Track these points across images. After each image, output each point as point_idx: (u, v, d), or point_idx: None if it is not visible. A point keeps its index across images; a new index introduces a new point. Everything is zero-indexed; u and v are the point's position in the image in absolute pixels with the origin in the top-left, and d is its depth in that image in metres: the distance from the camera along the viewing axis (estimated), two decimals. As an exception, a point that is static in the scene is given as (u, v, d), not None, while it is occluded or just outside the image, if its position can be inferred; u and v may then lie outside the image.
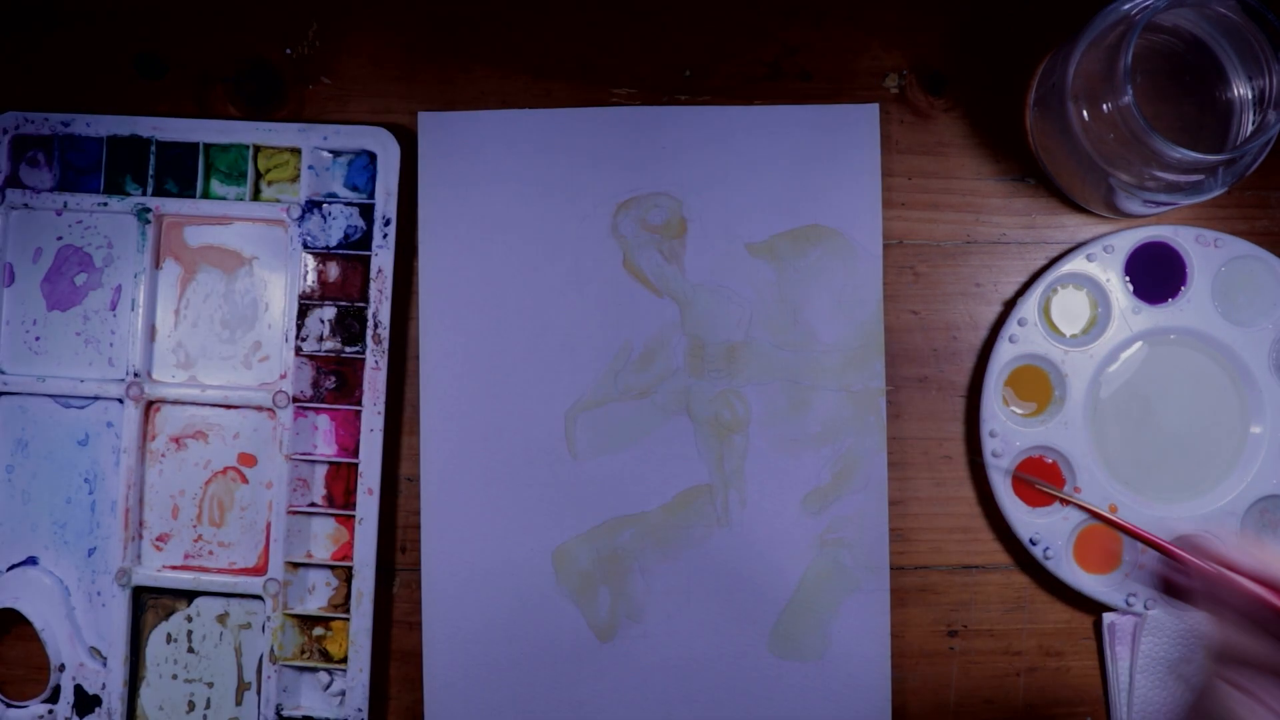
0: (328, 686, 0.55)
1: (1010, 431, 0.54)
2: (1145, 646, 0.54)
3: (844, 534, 0.54)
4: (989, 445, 0.54)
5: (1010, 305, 0.55)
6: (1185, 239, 0.54)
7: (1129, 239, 0.54)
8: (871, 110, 0.55)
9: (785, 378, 0.55)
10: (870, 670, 0.54)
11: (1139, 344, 0.55)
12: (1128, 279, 0.54)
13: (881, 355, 0.55)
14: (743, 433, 0.55)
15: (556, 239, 0.55)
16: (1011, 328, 0.54)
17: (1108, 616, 0.55)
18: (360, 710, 0.54)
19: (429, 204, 0.55)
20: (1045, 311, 0.55)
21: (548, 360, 0.55)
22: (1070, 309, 0.55)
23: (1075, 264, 0.54)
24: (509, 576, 0.55)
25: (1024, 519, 0.54)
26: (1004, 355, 0.54)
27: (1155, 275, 0.54)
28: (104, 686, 0.55)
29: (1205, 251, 0.54)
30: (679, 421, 0.55)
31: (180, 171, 0.55)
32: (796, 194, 0.55)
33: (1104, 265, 0.54)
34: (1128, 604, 0.54)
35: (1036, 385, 0.55)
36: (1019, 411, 0.55)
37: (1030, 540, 0.54)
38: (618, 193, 0.55)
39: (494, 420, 0.55)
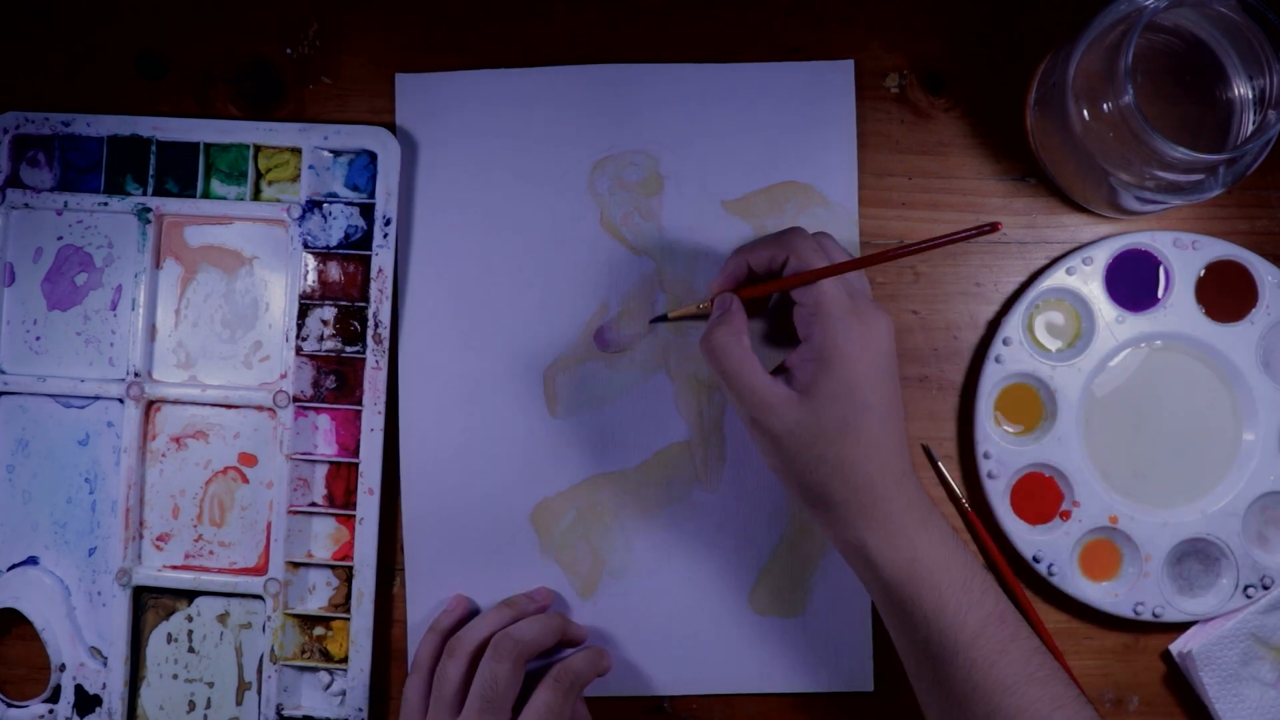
0: (328, 686, 0.55)
1: (1005, 451, 0.54)
2: (1207, 678, 0.53)
3: None
4: (984, 467, 0.54)
5: (994, 326, 0.55)
6: (1163, 244, 0.54)
7: (1107, 249, 0.54)
8: (846, 66, 0.55)
9: None
10: (852, 626, 0.54)
11: (1126, 352, 0.54)
12: (1109, 289, 0.54)
13: None
14: (721, 390, 0.55)
15: (533, 197, 0.55)
16: (997, 348, 0.54)
17: (1174, 648, 0.54)
18: (360, 710, 0.54)
19: (407, 164, 0.55)
20: (1029, 329, 0.54)
21: (527, 319, 0.55)
22: (1054, 324, 0.55)
23: (1055, 279, 0.54)
24: (489, 534, 0.55)
25: (1025, 537, 0.54)
26: (992, 376, 0.54)
27: (1136, 283, 0.54)
28: (104, 686, 0.55)
29: (1184, 254, 0.54)
30: (658, 379, 0.55)
31: (180, 171, 0.55)
32: (772, 151, 0.55)
33: (1084, 277, 0.54)
34: (1135, 612, 0.53)
35: (1026, 403, 0.54)
36: (1011, 430, 0.55)
37: (1034, 558, 0.53)
38: (594, 151, 0.55)
39: (474, 378, 0.55)
